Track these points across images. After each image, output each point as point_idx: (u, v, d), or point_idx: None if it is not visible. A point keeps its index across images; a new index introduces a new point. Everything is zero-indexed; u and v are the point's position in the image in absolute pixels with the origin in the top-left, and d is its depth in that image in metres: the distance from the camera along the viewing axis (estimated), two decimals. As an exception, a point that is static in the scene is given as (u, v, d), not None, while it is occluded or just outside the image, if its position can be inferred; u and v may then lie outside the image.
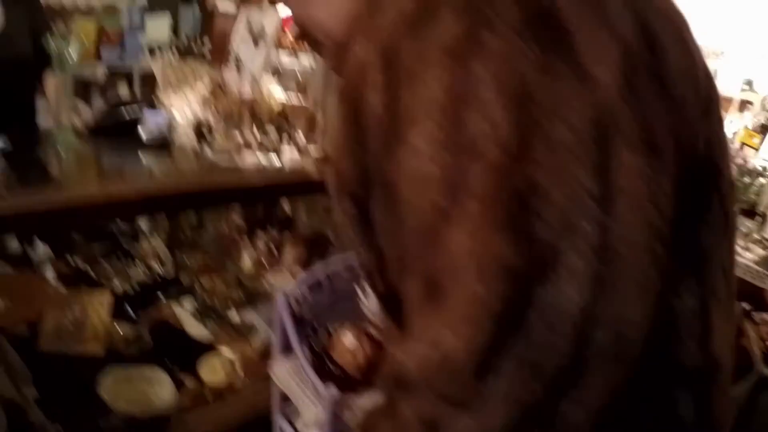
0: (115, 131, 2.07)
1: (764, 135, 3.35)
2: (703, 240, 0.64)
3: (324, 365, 1.04)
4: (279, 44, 1.94)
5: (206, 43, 3.30)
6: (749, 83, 3.88)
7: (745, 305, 2.23)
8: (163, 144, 1.92)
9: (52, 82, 2.62)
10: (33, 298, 1.72)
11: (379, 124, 0.59)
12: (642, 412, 0.61)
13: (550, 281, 0.49)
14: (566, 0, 0.54)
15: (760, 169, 3.03)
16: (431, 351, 0.52)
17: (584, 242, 0.50)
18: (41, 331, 1.63)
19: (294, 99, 1.79)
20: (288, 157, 1.66)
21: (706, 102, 0.65)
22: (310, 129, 1.73)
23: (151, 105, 2.14)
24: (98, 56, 3.68)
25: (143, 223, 2.10)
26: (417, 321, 0.56)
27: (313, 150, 1.71)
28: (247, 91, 1.71)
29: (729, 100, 5.20)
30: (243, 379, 1.59)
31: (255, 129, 1.68)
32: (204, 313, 1.76)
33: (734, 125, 3.59)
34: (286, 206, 1.92)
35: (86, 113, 2.43)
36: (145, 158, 1.87)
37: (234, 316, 1.75)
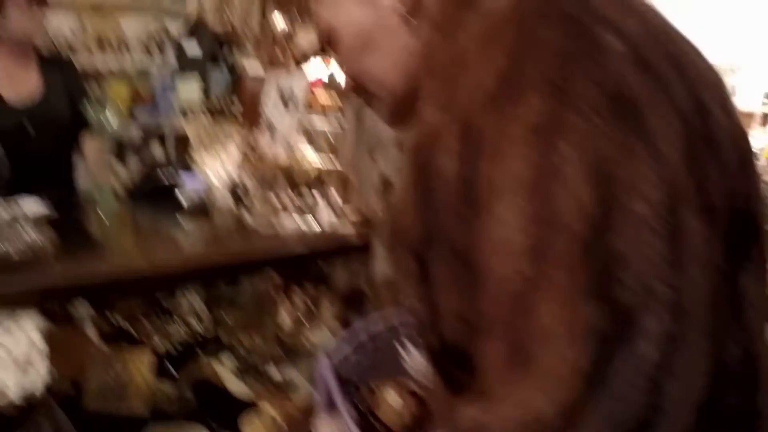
0: (154, 194, 2.15)
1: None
2: (745, 289, 0.67)
3: (369, 424, 1.06)
4: (309, 107, 2.00)
5: (236, 103, 3.40)
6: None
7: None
8: (201, 208, 1.98)
9: (90, 145, 2.70)
10: (76, 356, 1.75)
11: (450, 190, 0.64)
12: None
13: (629, 340, 0.54)
14: (636, 79, 0.59)
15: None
16: (520, 412, 0.56)
17: (659, 303, 0.55)
18: (85, 389, 1.67)
19: (326, 161, 1.84)
20: (325, 219, 1.70)
21: (746, 158, 0.69)
22: (345, 190, 1.78)
23: (186, 166, 2.22)
24: (132, 117, 3.79)
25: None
26: (500, 383, 0.59)
27: (349, 211, 1.76)
28: (281, 154, 1.77)
29: (750, 115, 5.18)
30: (285, 435, 1.61)
31: (291, 192, 1.73)
32: (244, 370, 1.79)
33: (758, 141, 3.56)
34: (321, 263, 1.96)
35: (123, 174, 2.51)
36: (186, 223, 1.92)
37: (274, 372, 1.77)
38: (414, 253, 0.72)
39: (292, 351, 1.82)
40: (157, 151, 3.75)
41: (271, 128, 1.93)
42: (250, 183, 1.83)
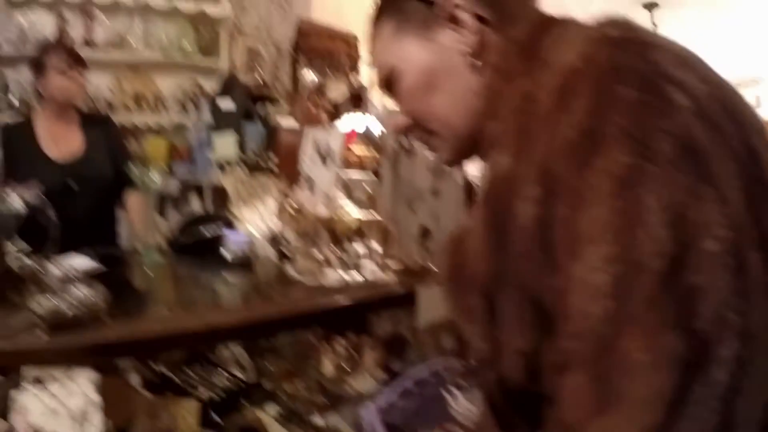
0: (197, 248, 2.21)
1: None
2: None
3: (417, 469, 1.09)
4: (345, 160, 2.07)
5: (271, 157, 3.48)
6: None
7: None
8: (244, 261, 2.04)
9: (133, 201, 2.79)
10: (125, 406, 1.78)
11: (526, 233, 0.71)
12: None
13: (705, 366, 0.59)
14: (700, 130, 0.65)
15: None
16: None
17: (731, 331, 0.60)
18: (133, 439, 1.70)
19: (365, 212, 1.90)
20: (367, 270, 1.75)
21: None
22: (386, 241, 1.83)
23: (227, 221, 2.28)
24: (170, 171, 3.88)
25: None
26: (588, 415, 0.64)
27: (392, 262, 1.80)
28: (321, 209, 1.83)
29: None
30: (331, 483, 1.62)
31: (333, 246, 1.78)
32: (288, 418, 1.80)
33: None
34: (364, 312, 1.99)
35: (164, 227, 2.59)
36: (229, 276, 1.97)
37: (318, 420, 1.79)
38: (483, 293, 0.78)
39: (335, 398, 1.84)
40: (195, 203, 3.84)
41: (309, 182, 1.99)
42: (291, 236, 1.89)
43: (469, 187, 2.05)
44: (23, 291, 1.49)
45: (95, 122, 2.91)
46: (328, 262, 1.77)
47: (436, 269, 1.64)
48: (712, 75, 0.74)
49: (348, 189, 1.94)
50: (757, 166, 0.69)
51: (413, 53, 0.90)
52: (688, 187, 0.63)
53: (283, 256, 1.95)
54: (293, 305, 1.62)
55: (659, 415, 0.59)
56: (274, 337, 1.97)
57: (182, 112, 4.25)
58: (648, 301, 0.61)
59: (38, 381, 1.22)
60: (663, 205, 0.62)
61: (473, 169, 2.13)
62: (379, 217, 1.87)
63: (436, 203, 1.96)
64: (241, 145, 3.72)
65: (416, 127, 0.96)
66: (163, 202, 3.51)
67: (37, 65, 2.69)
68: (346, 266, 1.75)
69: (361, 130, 2.70)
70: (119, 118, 3.66)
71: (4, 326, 1.32)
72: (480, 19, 0.87)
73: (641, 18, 5.25)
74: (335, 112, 3.96)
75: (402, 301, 1.72)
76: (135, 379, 1.93)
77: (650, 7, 5.43)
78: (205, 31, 4.31)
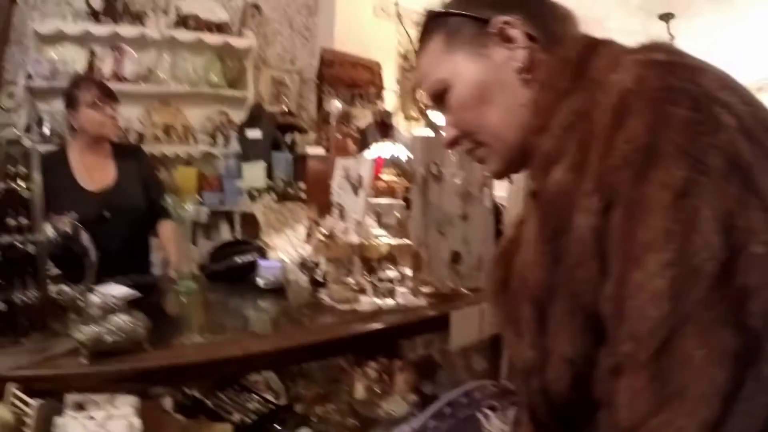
0: (230, 276, 2.25)
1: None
2: None
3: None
4: (374, 188, 2.10)
5: (300, 184, 3.52)
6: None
7: None
8: (277, 287, 2.07)
9: (167, 230, 2.83)
10: (160, 430, 1.80)
11: (584, 245, 0.76)
12: None
13: (756, 363, 0.64)
14: (745, 146, 0.71)
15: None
16: None
17: None
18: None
19: (395, 239, 1.92)
20: (401, 296, 1.77)
21: None
22: (417, 266, 1.85)
23: (258, 247, 2.32)
24: (200, 201, 3.93)
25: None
26: (643, 414, 0.68)
27: (423, 287, 1.82)
28: (353, 236, 1.86)
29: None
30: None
31: (365, 272, 1.81)
32: (321, 441, 1.82)
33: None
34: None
35: (196, 254, 2.62)
36: (263, 303, 2.00)
37: (350, 443, 1.81)
38: (535, 303, 0.83)
39: (367, 421, 1.85)
40: (225, 232, 3.89)
41: (340, 210, 2.03)
42: (323, 262, 1.92)
43: (497, 211, 2.08)
44: (64, 319, 1.51)
45: (127, 153, 2.96)
46: (360, 288, 1.80)
47: (483, 283, 1.66)
48: (751, 97, 0.79)
49: (378, 215, 1.97)
50: None
51: (465, 67, 0.95)
52: (737, 198, 0.68)
53: (315, 282, 1.99)
54: (326, 331, 1.63)
55: (716, 409, 0.63)
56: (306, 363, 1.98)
57: (211, 142, 4.33)
58: (703, 302, 0.65)
59: (80, 406, 1.23)
60: (715, 214, 0.67)
61: (499, 192, 2.16)
62: (409, 243, 1.89)
63: (465, 227, 1.99)
64: (270, 174, 3.77)
65: (465, 138, 1.00)
66: (194, 230, 3.55)
67: (70, 99, 2.75)
68: (378, 291, 1.77)
69: (388, 156, 2.73)
70: (149, 148, 3.73)
71: (47, 353, 1.34)
72: (529, 37, 0.92)
73: (658, 28, 5.27)
74: (362, 139, 3.99)
75: (433, 324, 1.74)
76: (168, 404, 1.96)
77: (666, 18, 5.43)
78: (231, 62, 4.41)
